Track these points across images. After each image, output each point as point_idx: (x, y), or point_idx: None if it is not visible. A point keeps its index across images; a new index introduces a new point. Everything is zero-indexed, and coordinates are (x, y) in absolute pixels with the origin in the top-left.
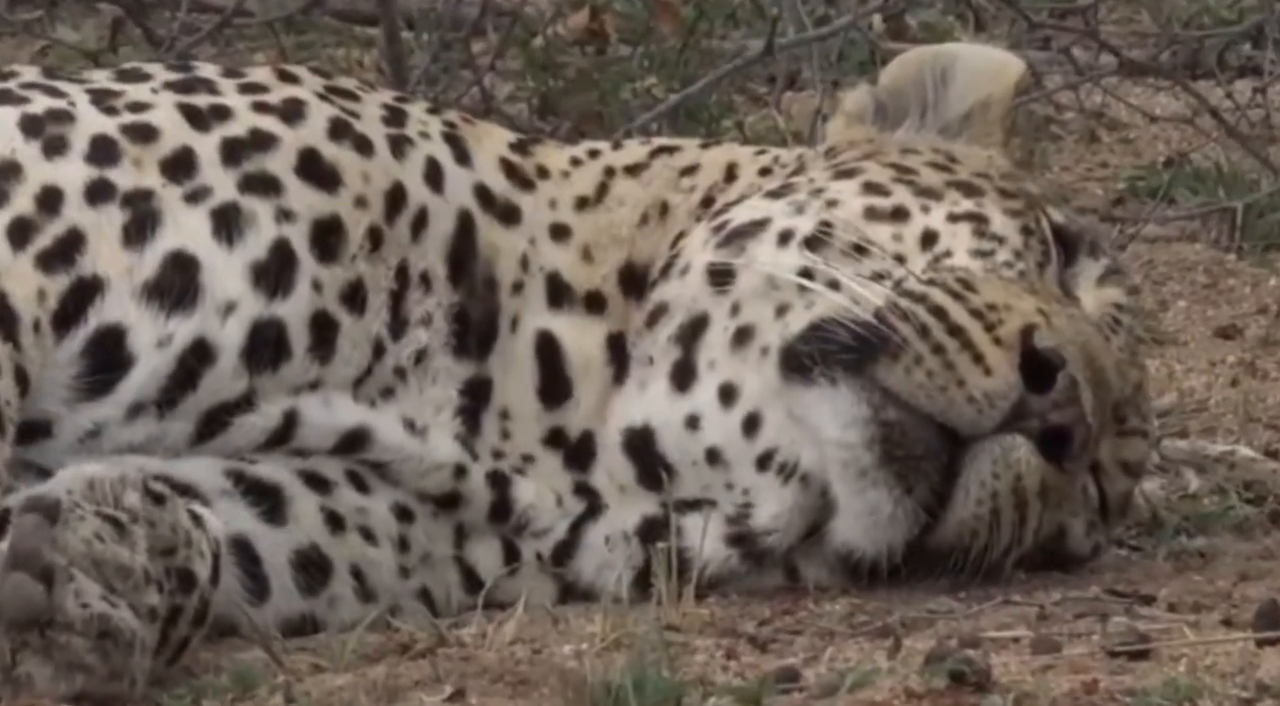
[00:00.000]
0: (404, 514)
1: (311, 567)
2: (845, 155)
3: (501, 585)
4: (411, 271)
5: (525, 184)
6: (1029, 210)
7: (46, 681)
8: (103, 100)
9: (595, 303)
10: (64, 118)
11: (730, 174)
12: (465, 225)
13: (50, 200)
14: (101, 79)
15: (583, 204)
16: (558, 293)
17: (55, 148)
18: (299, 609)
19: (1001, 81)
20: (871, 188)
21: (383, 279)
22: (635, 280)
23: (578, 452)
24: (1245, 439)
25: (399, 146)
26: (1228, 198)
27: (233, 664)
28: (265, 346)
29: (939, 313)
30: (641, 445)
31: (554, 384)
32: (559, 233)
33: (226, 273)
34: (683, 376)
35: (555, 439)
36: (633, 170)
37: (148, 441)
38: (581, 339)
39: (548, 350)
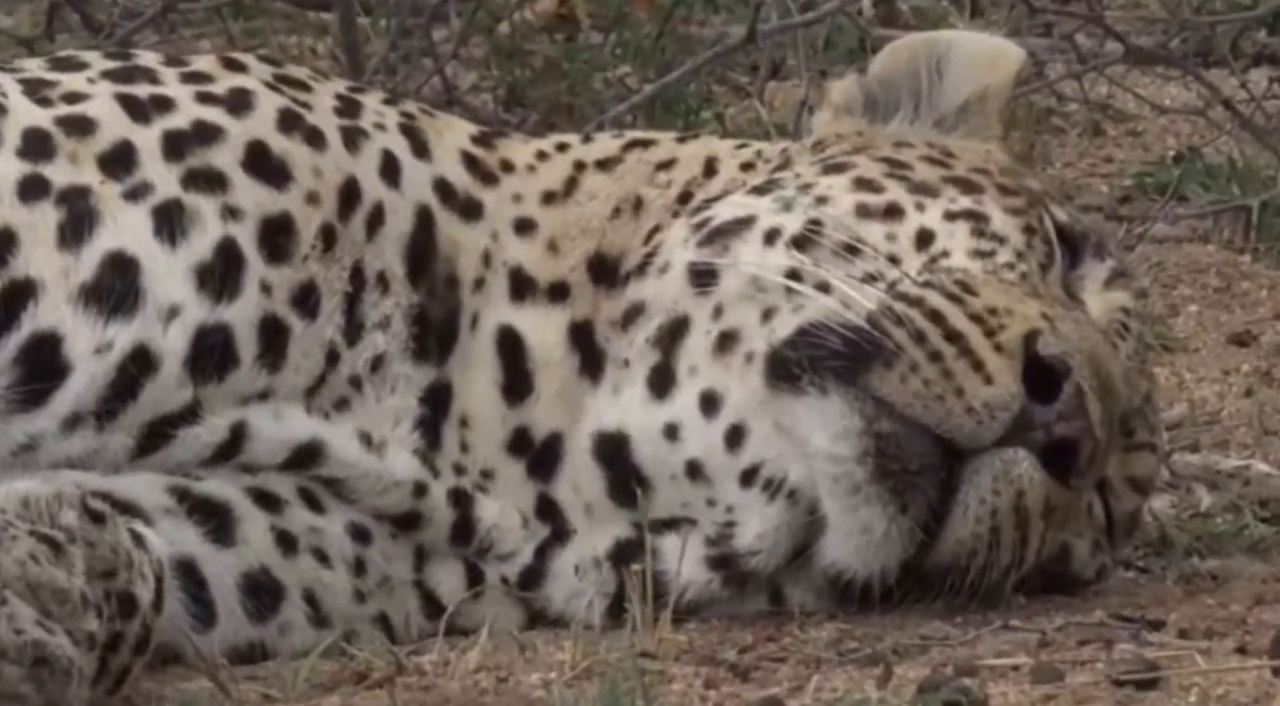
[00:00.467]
0: (360, 534)
1: (261, 591)
2: (833, 149)
3: (464, 610)
4: (367, 272)
5: (488, 178)
6: (1031, 208)
7: None
8: (36, 91)
9: (559, 291)
10: None
11: (709, 169)
12: (424, 222)
13: None
14: (35, 68)
15: (550, 198)
16: (520, 286)
17: None
18: (248, 635)
19: (1000, 71)
20: (863, 184)
21: (336, 280)
22: (605, 269)
23: (542, 458)
24: (1260, 453)
25: (353, 139)
26: (1242, 195)
27: (177, 694)
28: (211, 354)
29: (936, 317)
30: (614, 453)
31: (516, 379)
32: (523, 227)
33: (169, 275)
34: (661, 382)
35: (518, 443)
36: (604, 164)
37: (86, 456)
38: (543, 329)
39: (509, 344)
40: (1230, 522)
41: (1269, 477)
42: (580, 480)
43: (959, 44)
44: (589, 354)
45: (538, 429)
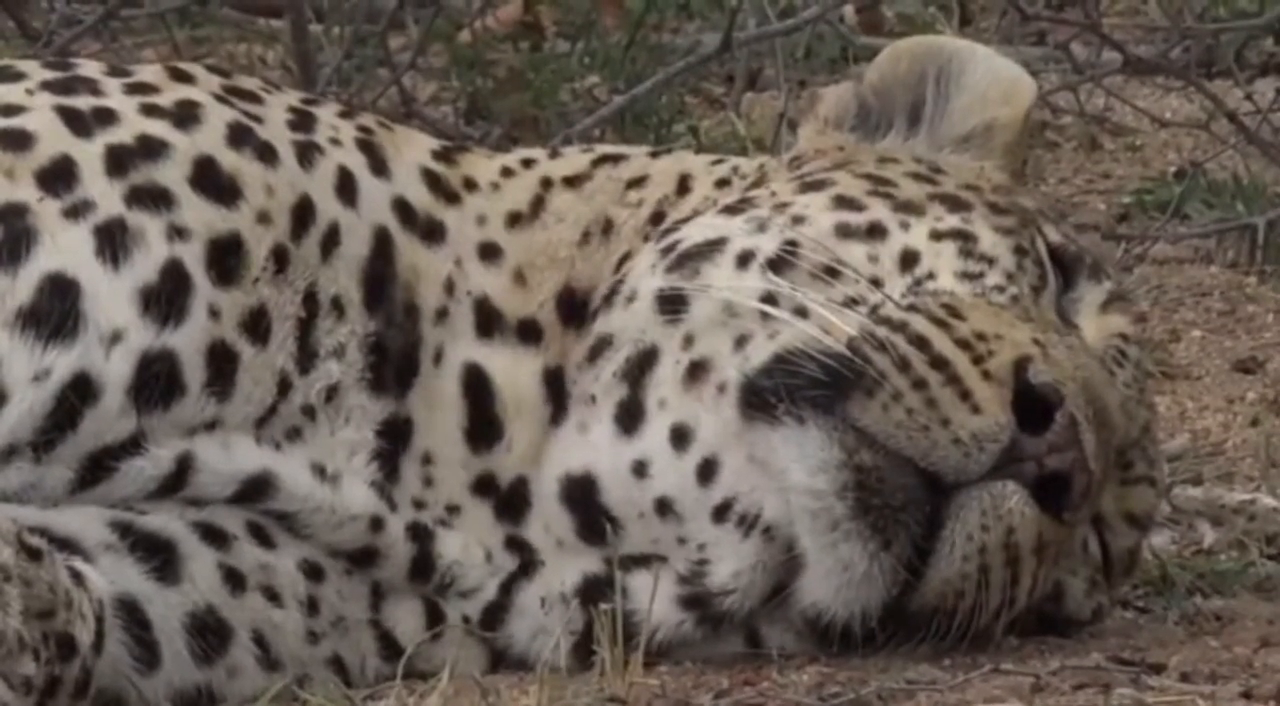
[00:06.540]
0: (313, 572)
1: (208, 632)
2: (812, 165)
3: (423, 652)
4: (321, 296)
5: (450, 197)
6: (1023, 227)
7: None
8: None
9: (530, 332)
10: None
11: (683, 186)
12: (382, 244)
13: None
14: None
15: (515, 220)
16: (487, 321)
17: None
18: (194, 679)
19: (1012, 107)
20: (843, 202)
21: (289, 305)
22: (575, 308)
23: (510, 502)
24: (1267, 486)
25: (307, 155)
26: (1247, 213)
27: None
28: (155, 381)
29: (920, 343)
30: (582, 496)
31: (482, 424)
32: (488, 253)
33: (111, 298)
34: (629, 417)
35: (484, 486)
36: (572, 182)
37: (22, 489)
38: (514, 373)
39: (476, 386)
40: (1235, 560)
41: (1276, 513)
42: (550, 522)
43: (972, 65)
44: (561, 402)
45: (504, 475)
